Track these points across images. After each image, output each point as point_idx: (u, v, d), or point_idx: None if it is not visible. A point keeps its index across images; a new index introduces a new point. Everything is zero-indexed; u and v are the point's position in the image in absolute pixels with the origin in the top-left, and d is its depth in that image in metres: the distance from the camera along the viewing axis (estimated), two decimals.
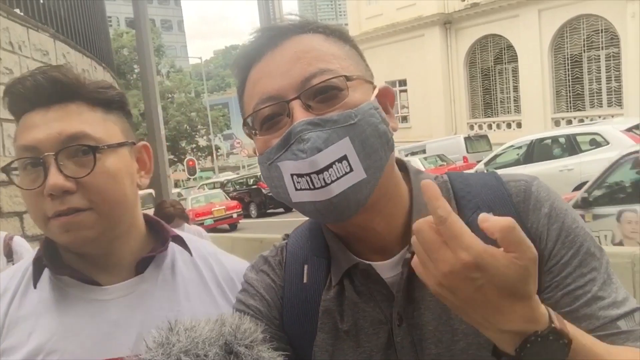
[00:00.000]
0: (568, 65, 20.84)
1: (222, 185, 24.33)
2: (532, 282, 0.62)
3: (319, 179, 0.75)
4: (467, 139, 17.78)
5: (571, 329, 0.66)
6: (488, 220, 0.63)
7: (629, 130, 8.94)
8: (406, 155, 17.38)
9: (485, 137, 18.65)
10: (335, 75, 0.78)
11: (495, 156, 11.36)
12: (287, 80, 0.79)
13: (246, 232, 14.97)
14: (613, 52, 19.63)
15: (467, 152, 17.35)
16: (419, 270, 0.67)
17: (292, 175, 0.77)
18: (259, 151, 0.85)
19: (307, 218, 0.94)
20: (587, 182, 6.12)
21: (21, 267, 1.05)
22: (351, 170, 0.75)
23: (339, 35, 0.86)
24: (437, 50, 23.77)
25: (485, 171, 5.04)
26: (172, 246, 1.08)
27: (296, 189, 0.78)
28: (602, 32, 19.69)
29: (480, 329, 0.66)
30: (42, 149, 0.92)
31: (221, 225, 17.55)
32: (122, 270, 1.02)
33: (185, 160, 34.04)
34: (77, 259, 1.01)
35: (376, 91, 0.84)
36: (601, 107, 20.24)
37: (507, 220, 0.61)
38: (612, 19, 18.77)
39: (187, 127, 41.36)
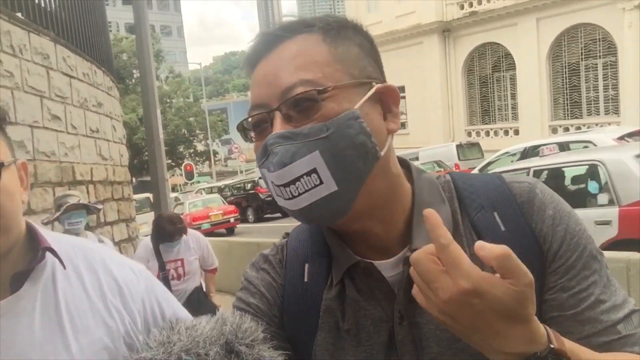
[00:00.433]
0: (566, 74, 20.93)
1: (220, 190, 24.33)
2: (529, 306, 0.64)
3: (286, 191, 0.78)
4: (459, 147, 17.84)
5: (569, 346, 0.67)
6: (484, 248, 0.64)
7: (621, 138, 9.01)
8: None
9: (477, 144, 18.71)
10: (311, 87, 0.77)
11: (489, 163, 11.39)
12: (271, 89, 0.79)
13: (243, 236, 14.97)
14: (610, 61, 19.73)
15: (459, 159, 17.41)
16: (419, 298, 0.69)
17: (271, 182, 0.80)
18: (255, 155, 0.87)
19: None
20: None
21: None
22: (321, 183, 0.76)
23: (338, 31, 0.83)
24: (435, 58, 23.85)
25: None
26: (52, 258, 0.99)
27: (276, 194, 0.81)
28: (599, 41, 19.81)
29: (482, 351, 0.68)
30: None
31: (218, 230, 17.54)
32: (3, 289, 0.94)
33: (183, 164, 34.01)
34: None
35: (370, 93, 0.81)
36: (598, 115, 20.32)
37: (502, 249, 0.63)
38: (610, 28, 18.89)
39: (185, 132, 41.31)
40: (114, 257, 1.07)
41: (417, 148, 19.52)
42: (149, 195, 10.97)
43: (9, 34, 4.72)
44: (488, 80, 23.55)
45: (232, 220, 18.14)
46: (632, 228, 5.08)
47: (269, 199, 19.66)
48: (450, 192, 0.89)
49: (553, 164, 6.30)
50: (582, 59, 20.46)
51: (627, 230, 5.14)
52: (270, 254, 0.98)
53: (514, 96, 22.59)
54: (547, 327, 0.68)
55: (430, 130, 23.68)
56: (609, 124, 17.77)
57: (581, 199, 5.72)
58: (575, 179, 6.21)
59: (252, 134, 0.85)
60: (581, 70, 20.59)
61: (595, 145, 9.02)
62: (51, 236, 1.02)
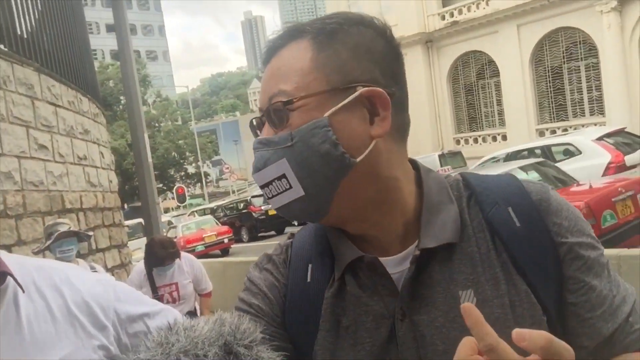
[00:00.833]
0: (549, 77, 21.20)
1: (213, 211, 24.24)
2: None
3: (265, 192, 0.85)
4: (441, 156, 17.95)
5: None
6: (524, 338, 0.60)
7: (600, 139, 9.12)
8: None
9: (459, 153, 18.84)
10: (284, 97, 0.81)
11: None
12: (263, 96, 0.86)
13: (238, 256, 14.90)
14: (592, 63, 20.01)
15: (442, 167, 17.61)
16: None
17: None
18: None
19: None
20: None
21: None
22: (290, 187, 0.81)
23: (332, 34, 0.83)
24: (420, 69, 24.08)
25: None
26: (13, 281, 0.97)
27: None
28: (580, 43, 20.11)
29: None
30: None
31: (213, 251, 17.45)
32: None
33: (175, 188, 33.90)
34: None
35: (348, 99, 0.80)
36: (584, 116, 20.55)
37: (545, 338, 0.59)
38: (590, 31, 19.19)
39: (175, 155, 41.32)
40: (80, 274, 1.05)
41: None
42: (141, 220, 10.91)
43: None
44: (473, 88, 23.80)
45: (226, 240, 18.05)
46: None
47: (262, 217, 19.63)
48: (458, 192, 0.89)
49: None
50: (564, 62, 20.74)
51: None
52: (274, 254, 0.98)
53: (499, 102, 22.82)
54: None
55: (419, 141, 23.81)
56: (595, 124, 17.98)
57: None
58: None
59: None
60: (564, 73, 20.86)
61: (576, 147, 9.16)
62: (13, 259, 0.99)
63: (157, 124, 41.28)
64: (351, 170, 0.79)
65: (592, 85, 20.27)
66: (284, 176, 0.81)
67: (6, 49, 5.14)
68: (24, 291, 0.96)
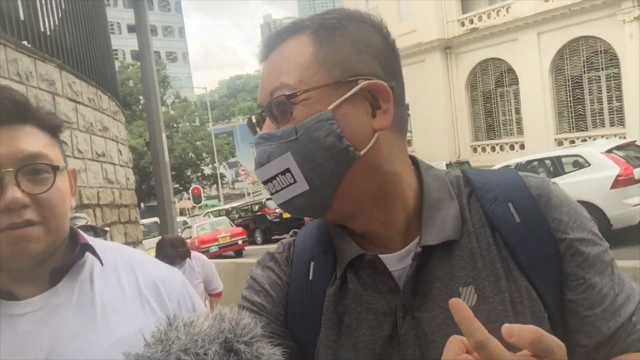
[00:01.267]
0: (569, 87, 20.96)
1: (228, 213, 24.36)
2: None
3: (268, 188, 0.84)
4: (449, 165, 17.86)
5: None
6: (513, 334, 0.60)
7: (610, 151, 9.02)
8: None
9: (466, 162, 18.74)
10: (286, 91, 0.80)
11: None
12: (263, 92, 0.85)
13: (251, 258, 14.93)
14: (613, 73, 19.75)
15: None
16: None
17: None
18: None
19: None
20: None
21: None
22: (295, 182, 0.80)
23: (331, 29, 0.83)
24: (438, 75, 23.99)
25: None
26: (91, 257, 1.06)
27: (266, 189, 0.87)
28: (601, 53, 19.86)
29: None
30: (1, 165, 0.93)
31: (227, 253, 17.52)
32: (41, 283, 1.00)
33: (191, 188, 34.14)
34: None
35: (350, 92, 0.80)
36: (604, 127, 20.28)
37: (534, 332, 0.59)
38: (611, 40, 18.95)
39: (193, 156, 41.62)
40: (150, 259, 1.15)
41: None
42: (157, 219, 11.01)
43: (16, 62, 4.82)
44: (491, 96, 23.61)
45: (240, 242, 18.12)
46: None
47: (276, 220, 19.68)
48: (459, 188, 0.89)
49: None
50: (584, 71, 20.50)
51: None
52: (277, 252, 0.98)
53: (518, 111, 22.61)
54: None
55: (435, 147, 23.70)
56: (615, 135, 17.74)
57: None
58: None
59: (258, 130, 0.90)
60: (584, 83, 20.61)
61: (585, 159, 9.12)
62: (92, 240, 1.09)
63: (175, 125, 41.63)
64: (354, 163, 0.80)
65: (612, 96, 19.99)
66: (288, 170, 0.81)
67: (29, 45, 5.24)
68: (102, 264, 1.05)
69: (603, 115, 20.43)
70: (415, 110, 24.77)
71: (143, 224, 10.59)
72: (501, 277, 0.81)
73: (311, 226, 0.99)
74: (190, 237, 17.49)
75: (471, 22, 23.28)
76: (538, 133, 21.21)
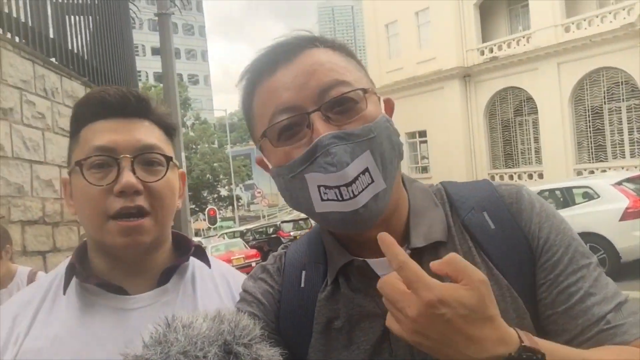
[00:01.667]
0: (589, 117, 20.81)
1: (242, 234, 24.38)
2: (489, 304, 0.66)
3: (347, 191, 0.78)
4: None
5: (545, 345, 0.68)
6: (435, 263, 0.69)
7: (619, 183, 9.00)
8: None
9: None
10: (352, 88, 0.81)
11: None
12: (305, 91, 0.81)
13: None
14: (634, 104, 19.59)
15: None
16: (394, 327, 0.70)
17: (319, 186, 0.80)
18: (276, 162, 0.86)
19: None
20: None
21: (47, 279, 1.08)
22: (372, 181, 0.79)
23: (345, 50, 0.89)
24: (456, 102, 24.00)
25: None
26: (192, 260, 1.13)
27: (322, 200, 0.80)
28: (622, 84, 19.74)
29: None
30: (120, 151, 0.99)
31: None
32: (149, 279, 1.05)
33: (207, 209, 34.31)
34: (108, 267, 1.04)
35: (382, 103, 0.88)
36: (624, 158, 20.04)
37: (448, 255, 0.68)
38: (632, 72, 18.83)
39: (210, 177, 41.94)
40: (238, 272, 1.22)
41: None
42: None
43: (43, 78, 4.95)
44: (510, 124, 23.52)
45: (253, 264, 18.07)
46: None
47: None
48: (441, 198, 0.94)
49: None
50: (605, 102, 20.36)
51: None
52: (268, 263, 1.01)
53: (537, 140, 22.46)
54: (517, 329, 0.69)
55: (452, 175, 23.57)
56: (635, 167, 17.49)
57: None
58: None
59: (271, 140, 0.85)
60: (604, 114, 20.46)
61: (594, 191, 9.11)
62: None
63: (194, 146, 42.08)
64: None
65: (633, 127, 19.79)
66: (367, 170, 0.79)
67: (57, 62, 5.38)
68: (210, 267, 1.13)
69: (623, 146, 20.20)
70: (432, 136, 24.76)
71: None
72: None
73: (302, 239, 1.02)
74: None
75: (491, 50, 23.35)
76: (557, 162, 21.01)
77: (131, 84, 8.66)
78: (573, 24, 20.46)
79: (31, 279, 3.29)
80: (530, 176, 22.49)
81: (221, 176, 43.04)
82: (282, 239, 20.14)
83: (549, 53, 20.91)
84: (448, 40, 23.87)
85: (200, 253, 1.14)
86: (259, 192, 41.12)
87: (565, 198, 9.76)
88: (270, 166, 0.89)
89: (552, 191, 10.35)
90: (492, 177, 23.47)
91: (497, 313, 0.67)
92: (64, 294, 1.02)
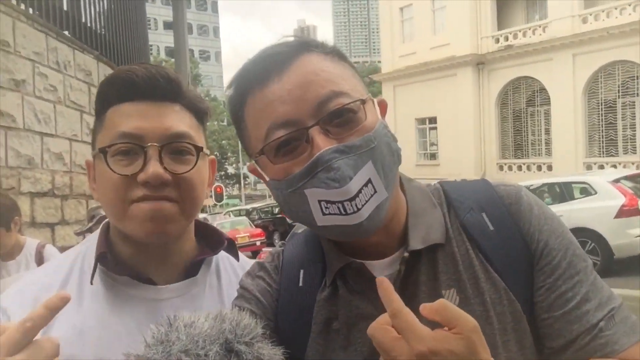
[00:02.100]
0: (602, 110, 20.59)
1: (248, 213, 24.50)
2: (481, 351, 0.64)
3: (351, 206, 0.76)
4: None
5: None
6: (425, 308, 0.66)
7: (617, 181, 9.07)
8: None
9: None
10: (351, 98, 0.79)
11: None
12: (302, 105, 0.78)
13: None
14: None
15: None
16: None
17: (320, 201, 0.78)
18: (274, 176, 0.83)
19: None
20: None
21: (66, 261, 1.03)
22: (375, 192, 0.77)
23: (337, 54, 0.86)
24: (468, 90, 23.80)
25: None
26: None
27: (324, 214, 0.78)
28: (637, 78, 19.47)
29: None
30: (147, 139, 0.93)
31: (244, 252, 17.57)
32: (175, 271, 1.03)
33: (214, 186, 34.46)
34: (134, 256, 1.01)
35: (377, 107, 0.85)
36: (635, 153, 19.86)
37: (439, 302, 0.66)
38: None
39: (217, 154, 42.07)
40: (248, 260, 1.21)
41: (446, 180, 19.35)
42: None
43: (56, 51, 4.95)
44: (522, 115, 23.32)
45: (258, 243, 18.22)
46: None
47: (295, 224, 19.70)
48: (439, 199, 0.93)
49: None
50: (619, 96, 20.12)
51: None
52: (266, 261, 1.00)
53: (548, 131, 22.28)
54: None
55: (461, 162, 23.49)
56: None
57: None
58: None
59: (268, 156, 0.82)
60: (618, 108, 20.22)
61: (592, 187, 9.21)
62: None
63: None
64: None
65: None
66: (369, 181, 0.77)
67: (70, 35, 5.37)
68: (238, 260, 1.13)
69: (635, 142, 20.01)
70: (443, 123, 24.62)
71: None
72: (480, 280, 0.84)
73: (299, 236, 1.01)
74: None
75: (506, 39, 23.07)
76: (567, 155, 20.86)
77: (143, 59, 8.63)
78: (591, 15, 20.13)
79: (39, 251, 3.33)
80: (539, 168, 22.35)
81: (229, 154, 43.12)
82: (287, 220, 20.20)
83: (564, 44, 20.62)
84: (463, 27, 23.58)
85: (231, 248, 1.12)
86: None
87: (564, 193, 9.86)
88: (267, 178, 0.86)
89: (551, 185, 10.42)
90: (501, 167, 23.41)
91: (488, 358, 0.66)
92: (92, 283, 0.97)
